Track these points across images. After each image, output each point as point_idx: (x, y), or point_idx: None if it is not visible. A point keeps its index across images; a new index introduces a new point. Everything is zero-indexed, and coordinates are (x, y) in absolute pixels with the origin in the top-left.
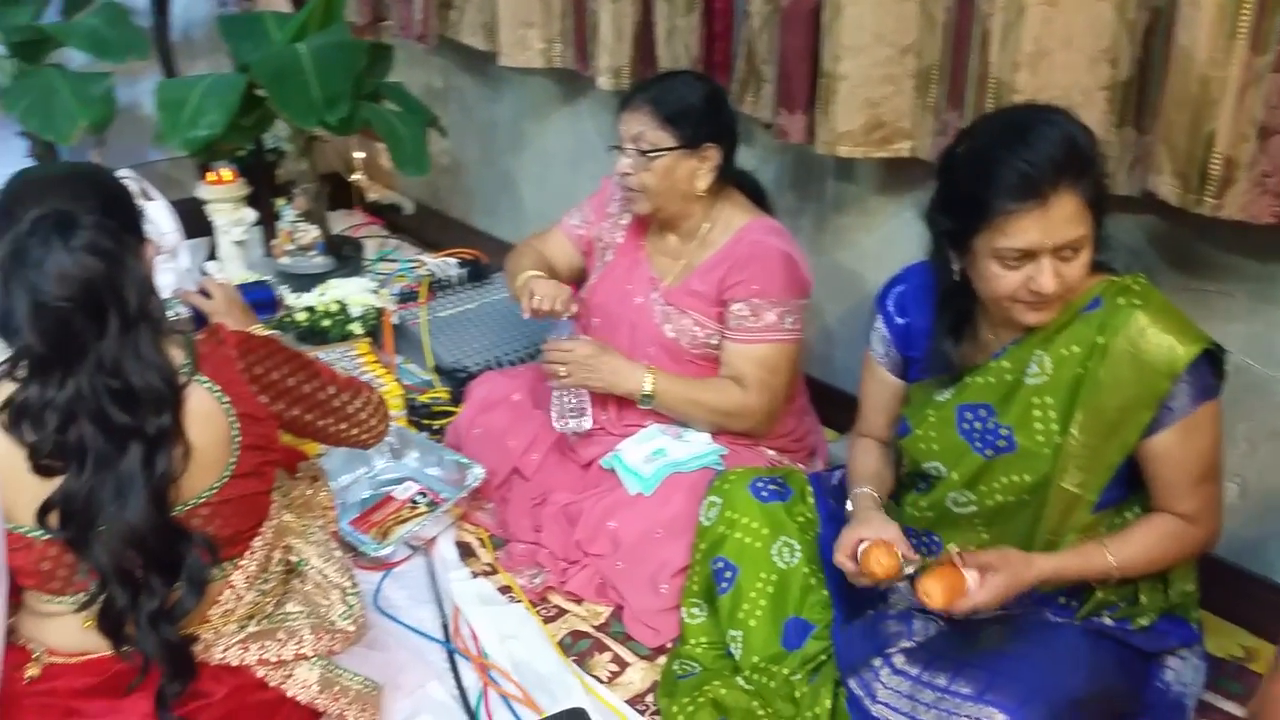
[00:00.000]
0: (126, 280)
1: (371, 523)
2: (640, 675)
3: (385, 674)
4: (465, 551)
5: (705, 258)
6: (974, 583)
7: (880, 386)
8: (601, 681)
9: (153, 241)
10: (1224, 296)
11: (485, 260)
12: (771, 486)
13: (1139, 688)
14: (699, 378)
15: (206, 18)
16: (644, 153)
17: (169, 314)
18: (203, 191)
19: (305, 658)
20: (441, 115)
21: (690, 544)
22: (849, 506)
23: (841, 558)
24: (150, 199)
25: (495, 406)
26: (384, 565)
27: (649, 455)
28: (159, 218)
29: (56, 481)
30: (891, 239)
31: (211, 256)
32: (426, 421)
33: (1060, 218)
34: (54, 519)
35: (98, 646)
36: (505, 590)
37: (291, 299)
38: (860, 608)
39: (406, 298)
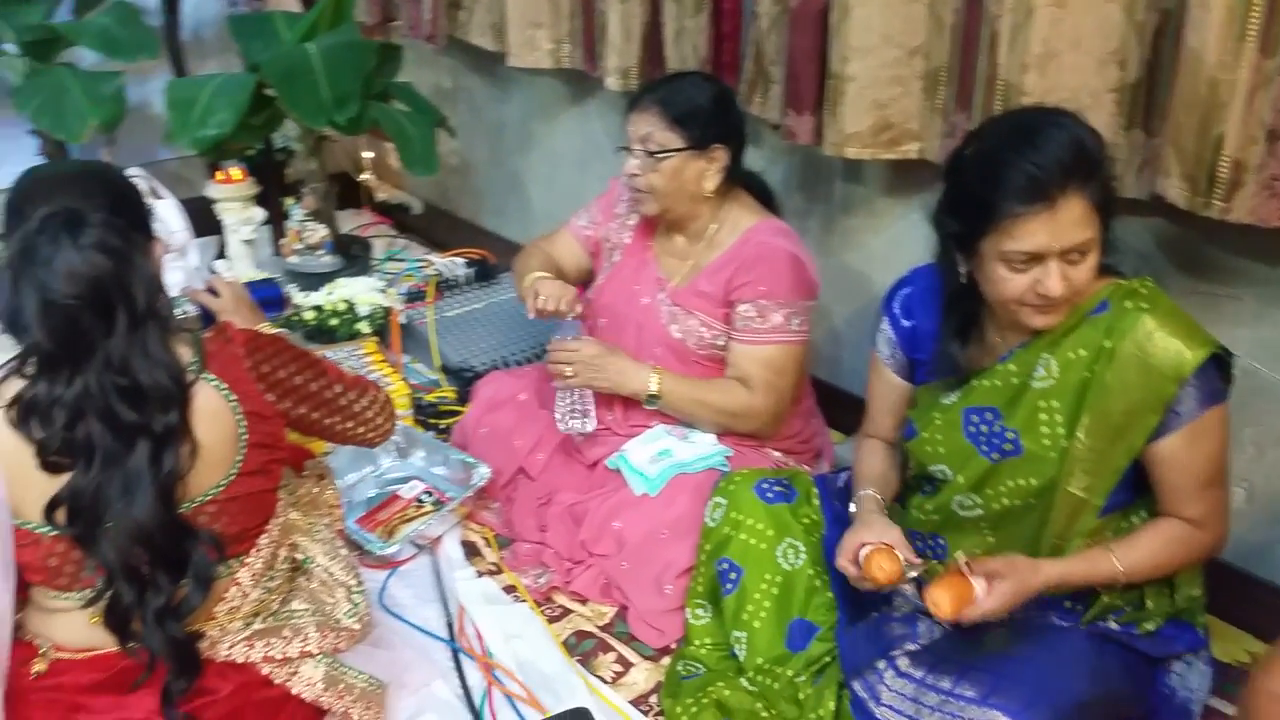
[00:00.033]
0: (135, 278)
1: (377, 521)
2: (644, 676)
3: (390, 672)
4: (470, 551)
5: (712, 259)
6: (982, 591)
7: (887, 388)
8: (605, 682)
9: (161, 240)
10: (1232, 300)
11: (493, 260)
12: (777, 488)
13: (1144, 692)
14: (705, 378)
15: (216, 17)
16: (652, 154)
17: (177, 312)
18: (212, 190)
19: (310, 655)
20: (450, 115)
21: (695, 545)
22: (852, 508)
23: (844, 562)
24: (159, 197)
25: (501, 406)
26: (389, 564)
27: (654, 456)
28: (168, 216)
29: (64, 478)
30: (899, 241)
31: (220, 255)
32: (433, 421)
33: (1068, 221)
34: (61, 515)
35: (104, 642)
36: (510, 590)
37: (299, 298)
38: (865, 610)
39: (414, 297)
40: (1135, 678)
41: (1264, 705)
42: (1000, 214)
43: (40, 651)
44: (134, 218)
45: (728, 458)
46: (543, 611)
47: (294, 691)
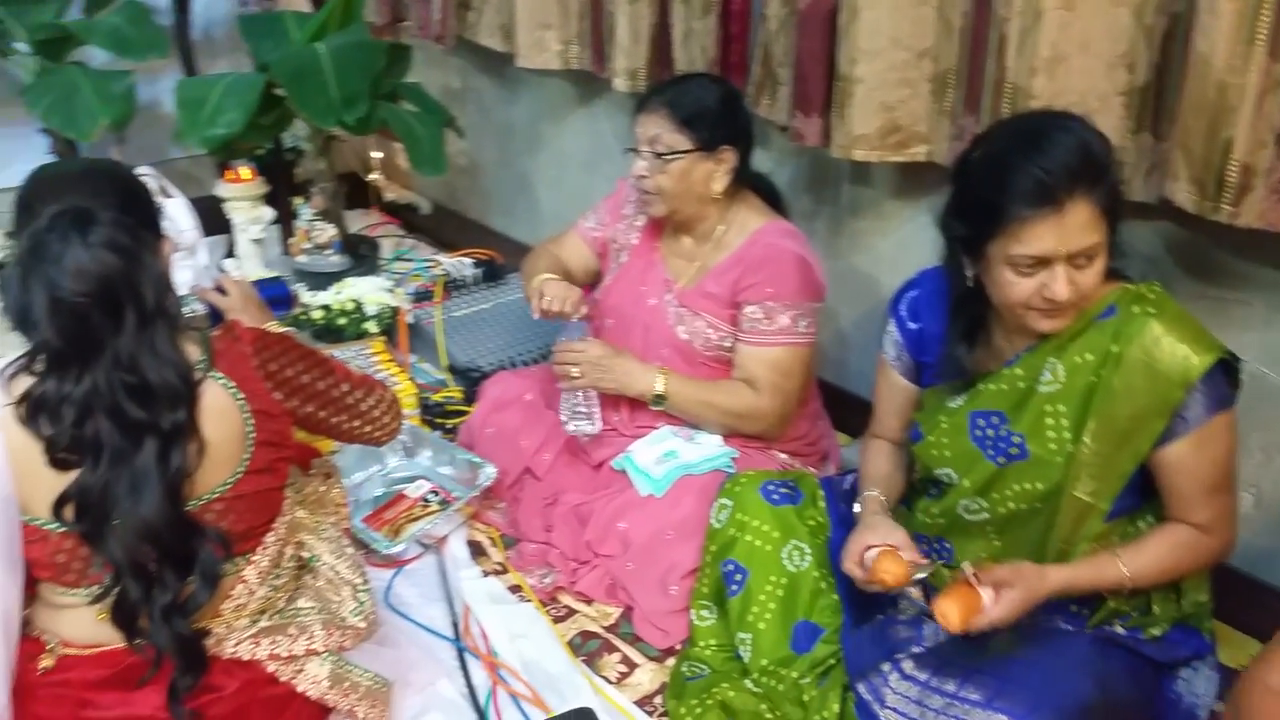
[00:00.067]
0: (144, 277)
1: (384, 520)
2: (649, 676)
3: (395, 671)
4: (476, 550)
5: (720, 260)
6: (989, 600)
7: (893, 390)
8: (610, 682)
9: (170, 238)
10: (1241, 305)
11: (500, 261)
12: (783, 490)
13: (1149, 698)
14: (711, 380)
15: (227, 17)
16: (660, 155)
17: (185, 310)
18: (221, 189)
19: (316, 653)
20: (459, 116)
21: (700, 546)
22: (856, 508)
23: (850, 565)
24: (169, 196)
25: (508, 406)
26: (395, 563)
27: (660, 457)
28: (177, 215)
29: (72, 475)
30: (907, 243)
31: (229, 254)
32: (440, 420)
33: (1075, 225)
34: (69, 512)
35: (111, 639)
36: (515, 589)
37: (307, 297)
38: (870, 612)
39: (422, 297)
40: (1140, 683)
41: (1259, 698)
42: (1007, 218)
43: (48, 647)
44: (143, 216)
45: (734, 459)
46: (548, 611)
47: (299, 689)
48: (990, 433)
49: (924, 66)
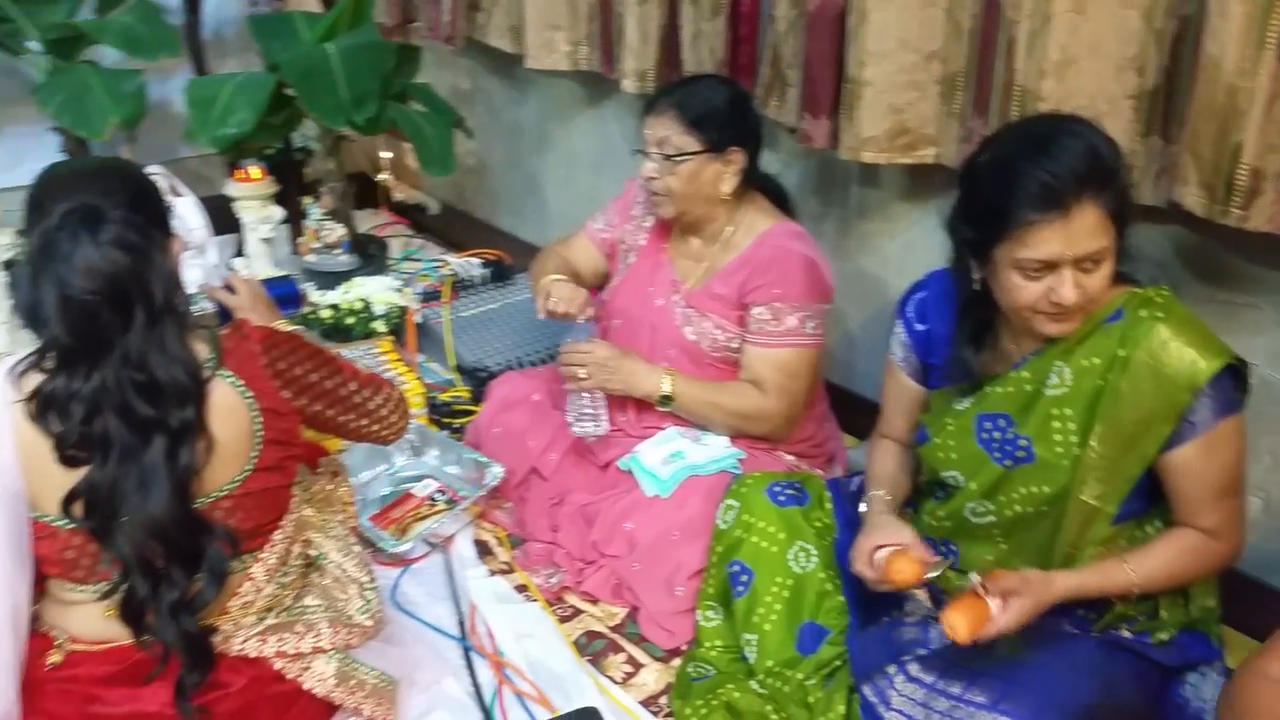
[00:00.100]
0: (153, 275)
1: (390, 519)
2: (654, 677)
3: (401, 669)
4: (483, 550)
5: (727, 261)
6: (997, 610)
7: (901, 391)
8: (616, 682)
9: (180, 237)
10: (1250, 309)
11: (509, 261)
12: (789, 491)
13: (1155, 702)
14: (718, 381)
15: (237, 17)
16: (669, 157)
17: (194, 309)
18: (231, 189)
19: (323, 651)
20: (468, 116)
21: (706, 547)
22: (862, 508)
23: (860, 566)
24: (179, 195)
25: (515, 406)
26: (402, 561)
27: (667, 457)
28: (187, 214)
29: (81, 472)
30: (914, 245)
31: (238, 253)
32: (447, 420)
33: (1082, 229)
34: (78, 509)
35: (119, 635)
36: (522, 589)
37: (316, 296)
38: (876, 614)
39: (430, 297)
40: (1146, 687)
41: (1258, 686)
42: (1014, 221)
43: (56, 643)
44: (153, 215)
45: (740, 460)
46: (554, 611)
47: (306, 686)
48: (997, 435)
49: (933, 69)
